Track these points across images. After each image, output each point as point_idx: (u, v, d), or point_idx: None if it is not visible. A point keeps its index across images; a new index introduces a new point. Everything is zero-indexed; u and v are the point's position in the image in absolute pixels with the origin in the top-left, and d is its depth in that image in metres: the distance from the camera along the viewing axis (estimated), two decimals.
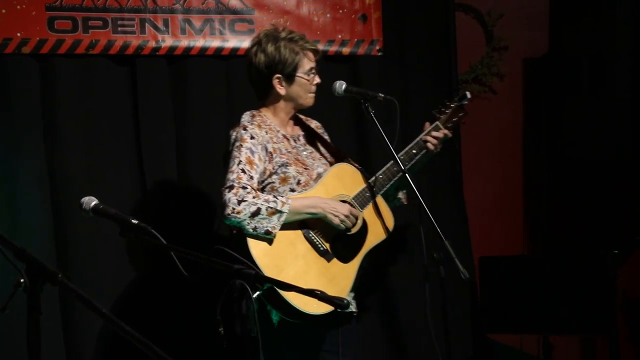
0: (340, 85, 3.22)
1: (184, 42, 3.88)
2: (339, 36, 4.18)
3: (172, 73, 3.90)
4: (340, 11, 4.19)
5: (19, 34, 3.59)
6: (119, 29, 3.76)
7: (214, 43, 3.92)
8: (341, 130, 4.22)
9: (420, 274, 3.12)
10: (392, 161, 3.12)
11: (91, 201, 2.42)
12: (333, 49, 4.18)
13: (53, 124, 3.68)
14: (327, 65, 4.16)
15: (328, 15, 4.16)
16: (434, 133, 3.18)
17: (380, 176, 3.11)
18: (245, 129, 3.00)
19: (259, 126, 3.02)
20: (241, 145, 2.96)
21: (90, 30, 3.71)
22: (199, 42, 3.89)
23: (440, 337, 3.01)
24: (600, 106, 4.40)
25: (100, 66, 3.75)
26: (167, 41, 3.85)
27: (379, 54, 4.27)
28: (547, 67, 4.76)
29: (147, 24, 3.81)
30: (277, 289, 2.70)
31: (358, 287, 3.22)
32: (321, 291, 2.65)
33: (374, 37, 4.25)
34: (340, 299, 2.16)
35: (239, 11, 3.99)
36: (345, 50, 4.20)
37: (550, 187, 4.86)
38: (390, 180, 3.12)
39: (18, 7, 3.58)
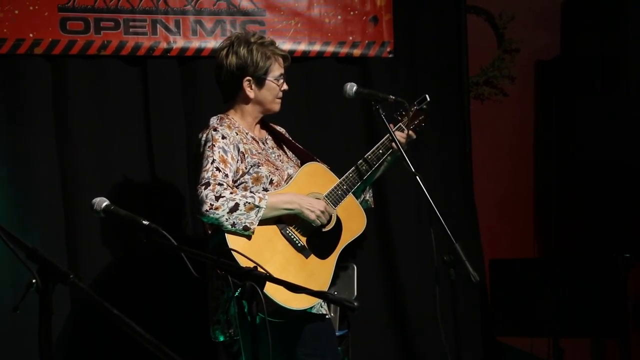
0: (351, 87, 3.23)
1: (195, 43, 3.89)
2: (350, 38, 4.18)
3: (183, 74, 3.91)
4: (352, 13, 4.19)
5: (31, 35, 3.60)
6: (131, 30, 3.77)
7: None
8: (352, 131, 4.23)
9: (431, 276, 3.11)
10: (360, 161, 3.17)
11: (102, 202, 2.43)
12: (344, 50, 4.18)
13: (65, 124, 3.70)
14: (338, 66, 4.18)
15: (339, 17, 4.16)
16: (399, 133, 3.21)
17: (350, 174, 3.14)
18: (215, 129, 3.01)
19: (229, 127, 3.03)
20: (213, 145, 2.96)
21: (102, 31, 3.72)
22: (210, 44, 3.90)
23: (450, 340, 3.01)
24: (612, 108, 4.38)
25: (111, 67, 3.77)
26: (179, 42, 3.86)
27: (390, 56, 4.27)
28: (559, 69, 4.74)
29: (158, 25, 3.82)
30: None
31: (368, 289, 3.23)
32: (330, 293, 2.65)
33: (385, 39, 4.25)
34: (350, 301, 2.15)
35: (250, 12, 4.00)
36: (356, 52, 4.20)
37: (561, 189, 4.85)
38: (360, 178, 3.15)
39: (31, 8, 3.60)
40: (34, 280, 1.87)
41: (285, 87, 3.15)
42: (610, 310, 4.12)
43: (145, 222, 2.27)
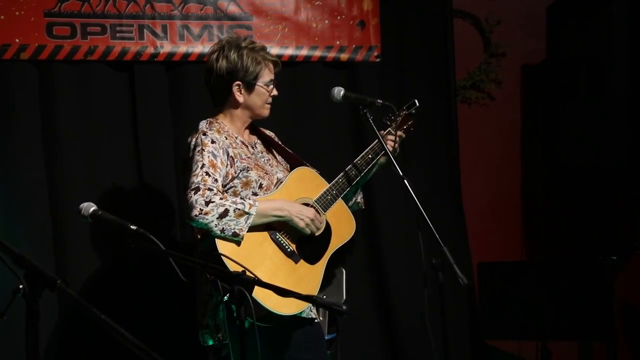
0: (339, 92, 3.24)
1: (182, 48, 3.88)
2: (337, 42, 4.19)
3: (170, 79, 3.91)
4: (339, 17, 4.20)
5: (17, 40, 3.59)
6: (118, 35, 3.76)
7: None
8: (340, 136, 4.24)
9: (419, 279, 3.12)
10: (349, 166, 3.18)
11: (90, 207, 2.42)
12: (331, 55, 4.18)
13: (51, 129, 3.69)
14: (326, 71, 4.19)
15: (326, 21, 4.17)
16: (389, 137, 3.22)
17: (340, 179, 3.15)
18: (204, 134, 3.01)
19: (218, 131, 3.03)
20: (203, 150, 2.96)
21: (88, 36, 3.71)
22: (197, 48, 3.89)
23: (438, 343, 3.01)
24: (598, 112, 4.40)
25: (98, 72, 3.76)
26: (166, 47, 3.85)
27: (377, 60, 4.27)
28: (545, 73, 4.77)
29: (145, 30, 3.82)
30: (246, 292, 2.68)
31: (357, 292, 3.23)
32: (319, 297, 2.65)
33: (372, 44, 4.26)
34: (339, 305, 2.15)
35: (237, 17, 4.00)
36: (344, 56, 4.21)
37: (548, 193, 4.87)
38: (349, 183, 3.16)
39: (17, 13, 3.59)
40: (20, 286, 1.86)
41: (275, 92, 3.15)
42: (598, 313, 4.13)
43: (133, 227, 2.27)
